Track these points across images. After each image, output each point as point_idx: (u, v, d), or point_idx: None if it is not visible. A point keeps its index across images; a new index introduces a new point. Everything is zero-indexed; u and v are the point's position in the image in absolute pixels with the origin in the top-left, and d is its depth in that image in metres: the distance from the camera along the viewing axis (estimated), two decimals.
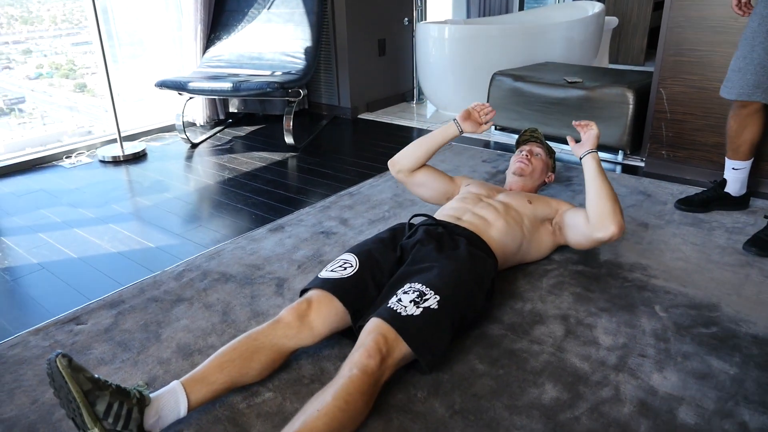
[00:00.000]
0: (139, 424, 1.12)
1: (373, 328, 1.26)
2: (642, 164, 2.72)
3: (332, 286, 1.43)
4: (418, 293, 1.34)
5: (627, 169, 2.72)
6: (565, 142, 3.02)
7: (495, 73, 3.19)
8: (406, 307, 1.30)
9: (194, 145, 3.37)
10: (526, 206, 1.74)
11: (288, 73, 3.20)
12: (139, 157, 3.16)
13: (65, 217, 2.37)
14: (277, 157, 3.12)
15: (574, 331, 1.49)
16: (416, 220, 1.69)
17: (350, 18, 3.68)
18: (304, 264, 1.90)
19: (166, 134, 3.60)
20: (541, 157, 1.97)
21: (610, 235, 1.58)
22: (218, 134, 3.61)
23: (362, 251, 1.54)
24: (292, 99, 3.13)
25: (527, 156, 1.93)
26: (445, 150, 3.09)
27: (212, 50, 3.51)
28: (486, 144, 3.22)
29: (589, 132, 1.73)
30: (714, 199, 2.17)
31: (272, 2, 3.48)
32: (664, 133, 2.54)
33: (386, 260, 1.52)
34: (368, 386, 1.17)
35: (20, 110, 3.87)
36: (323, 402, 1.12)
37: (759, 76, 1.90)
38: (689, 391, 1.26)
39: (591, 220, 1.62)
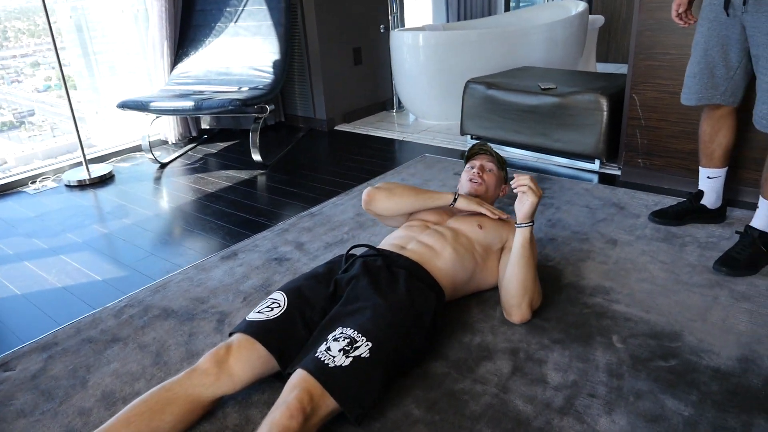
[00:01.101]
0: None
1: (298, 382, 1.18)
2: (619, 173, 2.62)
3: (255, 329, 1.35)
4: (348, 340, 1.25)
5: (604, 179, 2.62)
6: (540, 151, 2.93)
7: (468, 81, 3.10)
8: (334, 357, 1.22)
9: (163, 165, 3.31)
10: (477, 232, 1.65)
11: (255, 88, 3.13)
12: (105, 180, 3.10)
13: (17, 249, 2.31)
14: (244, 175, 3.05)
15: (522, 367, 1.40)
16: (358, 251, 1.61)
17: (322, 27, 3.61)
18: (251, 296, 1.82)
19: (137, 154, 3.54)
20: (493, 172, 1.87)
21: (511, 321, 1.56)
22: (190, 152, 3.55)
23: (291, 289, 1.46)
24: (259, 115, 3.05)
25: (479, 173, 1.83)
26: (417, 162, 3.00)
27: (180, 67, 3.45)
28: (461, 155, 3.13)
29: (525, 202, 1.51)
30: (689, 211, 2.07)
31: (239, 15, 3.41)
32: (639, 140, 2.43)
33: (318, 297, 1.44)
34: None
35: (30, 123, 3.87)
36: None
37: (716, 78, 1.84)
38: None
39: (501, 296, 1.59)
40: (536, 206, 1.53)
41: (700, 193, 2.06)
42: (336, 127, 3.89)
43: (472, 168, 1.86)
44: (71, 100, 2.98)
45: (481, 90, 3.02)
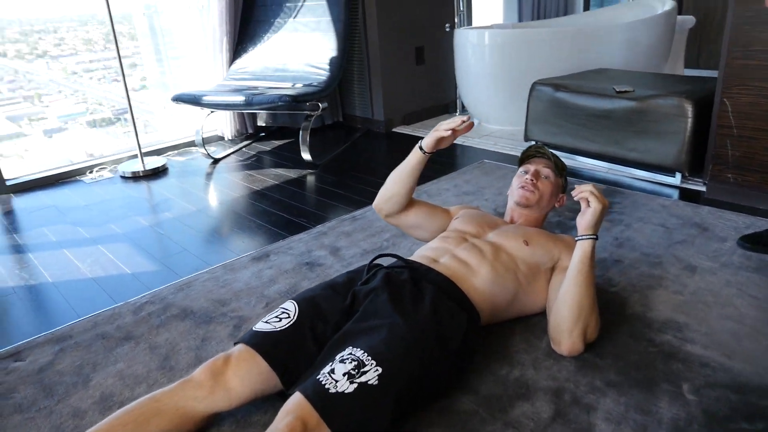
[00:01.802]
0: None
1: (293, 407, 1.02)
2: (704, 189, 2.29)
3: (258, 341, 1.20)
4: (355, 363, 1.08)
5: (686, 195, 2.30)
6: (613, 161, 2.64)
7: (535, 82, 2.85)
8: (337, 381, 1.05)
9: (216, 161, 3.28)
10: (522, 248, 1.43)
11: (308, 85, 3.04)
12: (159, 173, 3.11)
13: (60, 237, 2.32)
14: (293, 174, 2.95)
15: (565, 413, 1.17)
16: (385, 261, 1.44)
17: (383, 24, 3.47)
18: (274, 301, 1.69)
19: (193, 148, 3.54)
20: (549, 179, 1.63)
21: (559, 351, 1.33)
22: (244, 149, 3.51)
23: (305, 299, 1.30)
24: (310, 112, 2.95)
25: (532, 180, 1.60)
26: (475, 168, 2.79)
27: (238, 62, 3.42)
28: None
29: (587, 211, 1.30)
30: None
31: (298, 11, 3.33)
32: (729, 152, 2.11)
33: (333, 310, 1.27)
34: None
35: (125, 120, 4.06)
36: None
37: None
38: None
39: (549, 322, 1.35)
40: (601, 216, 1.30)
41: None
42: (394, 129, 3.73)
43: (526, 173, 1.64)
44: (129, 93, 3.00)
45: (548, 92, 2.76)
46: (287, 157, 3.28)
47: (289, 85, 3.09)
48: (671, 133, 2.30)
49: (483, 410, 1.19)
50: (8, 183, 2.92)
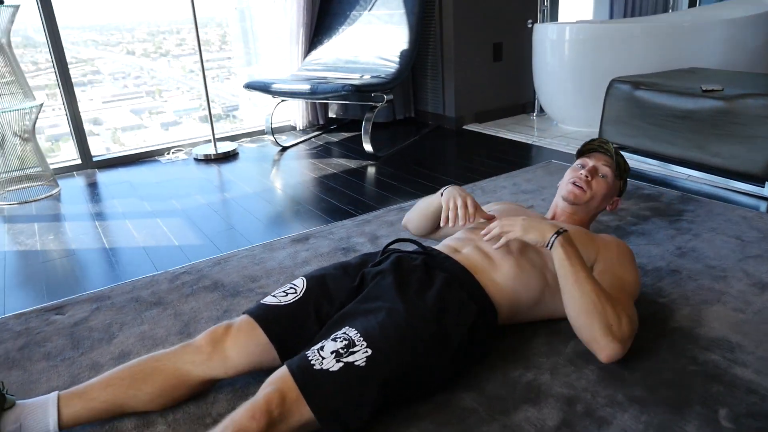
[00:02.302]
0: None
1: (276, 380, 1.00)
2: None
3: (261, 313, 1.20)
4: (346, 343, 1.05)
5: None
6: (695, 167, 2.40)
7: (613, 80, 2.65)
8: (324, 359, 1.02)
9: (284, 149, 3.37)
10: None
11: (376, 76, 3.03)
12: (229, 157, 3.24)
13: (126, 209, 2.47)
14: (353, 165, 2.96)
15: (573, 423, 1.06)
16: (404, 246, 1.38)
17: (459, 19, 3.39)
18: None
19: (266, 136, 3.66)
20: (607, 178, 1.48)
21: (601, 359, 1.16)
22: (313, 139, 3.57)
23: (315, 276, 1.28)
24: (374, 104, 2.94)
25: (587, 177, 1.47)
26: (539, 168, 2.65)
27: (313, 54, 3.49)
28: None
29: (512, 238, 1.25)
30: None
31: (374, 4, 3.34)
32: None
33: (340, 289, 1.24)
34: None
35: (234, 116, 4.41)
36: None
37: None
38: None
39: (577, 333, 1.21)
40: (528, 232, 1.23)
41: None
42: (465, 126, 3.64)
43: (582, 167, 1.50)
44: (207, 85, 3.15)
45: (627, 90, 2.57)
46: (352, 148, 3.29)
47: (357, 76, 3.10)
48: (762, 137, 2.05)
49: (483, 410, 1.11)
50: (94, 159, 3.17)
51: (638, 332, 1.23)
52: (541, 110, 3.78)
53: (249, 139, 3.64)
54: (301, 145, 3.45)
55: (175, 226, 2.24)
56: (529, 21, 3.66)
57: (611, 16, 4.23)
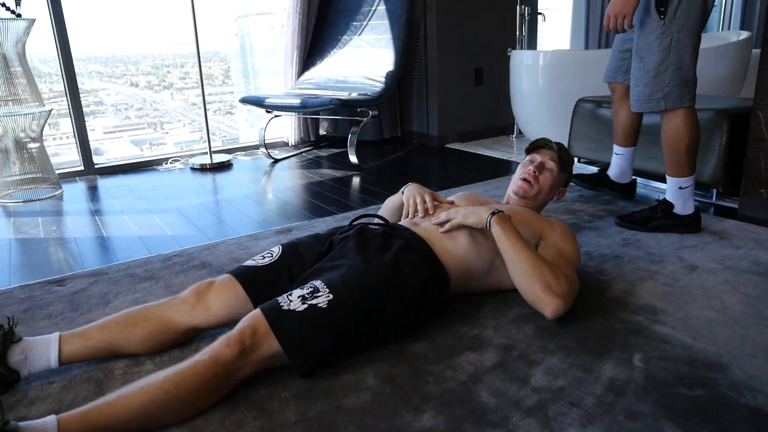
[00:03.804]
0: (1, 355, 1.16)
1: (249, 318, 1.17)
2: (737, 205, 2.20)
3: (240, 271, 1.37)
4: (311, 290, 1.21)
5: (720, 212, 2.22)
6: (650, 177, 2.60)
7: (579, 100, 2.88)
8: (291, 301, 1.19)
9: (276, 161, 3.56)
10: None
11: (363, 94, 3.25)
12: (223, 167, 3.43)
13: (123, 207, 2.64)
14: (338, 174, 3.15)
15: (507, 364, 1.22)
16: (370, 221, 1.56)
17: (442, 45, 3.65)
18: None
19: (259, 151, 3.86)
20: (552, 172, 1.68)
21: (546, 315, 1.31)
22: (304, 153, 3.78)
23: (289, 243, 1.46)
24: (360, 119, 3.16)
25: (535, 172, 1.67)
26: (509, 178, 2.84)
27: (306, 74, 3.72)
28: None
29: (462, 227, 1.45)
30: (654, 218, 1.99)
31: (363, 29, 3.60)
32: (762, 166, 2.04)
33: (310, 254, 1.41)
34: (213, 376, 1.07)
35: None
36: (153, 380, 1.04)
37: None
38: None
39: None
40: (468, 217, 1.43)
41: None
42: (447, 145, 3.86)
43: (531, 163, 1.70)
44: (205, 100, 3.37)
45: (590, 108, 2.79)
46: (340, 161, 3.49)
47: (345, 93, 3.33)
48: (706, 148, 2.25)
49: (432, 354, 1.26)
50: (96, 166, 3.36)
51: (576, 301, 1.39)
52: (520, 132, 4.00)
53: (243, 153, 3.85)
54: (292, 158, 3.65)
55: (169, 220, 2.41)
56: (510, 49, 3.92)
57: (586, 46, 4.50)
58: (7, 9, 2.67)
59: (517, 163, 3.25)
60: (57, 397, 1.18)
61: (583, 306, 1.45)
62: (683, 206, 1.97)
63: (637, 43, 1.89)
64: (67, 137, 3.52)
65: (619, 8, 1.79)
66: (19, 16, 2.69)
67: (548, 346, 1.28)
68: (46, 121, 2.87)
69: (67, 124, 3.37)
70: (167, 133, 4.57)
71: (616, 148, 2.29)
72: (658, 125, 2.43)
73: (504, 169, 3.18)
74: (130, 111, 4.47)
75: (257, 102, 3.23)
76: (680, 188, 1.96)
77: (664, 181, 2.56)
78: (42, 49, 3.15)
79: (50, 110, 2.86)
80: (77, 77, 3.18)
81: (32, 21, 2.72)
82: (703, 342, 1.27)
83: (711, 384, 1.12)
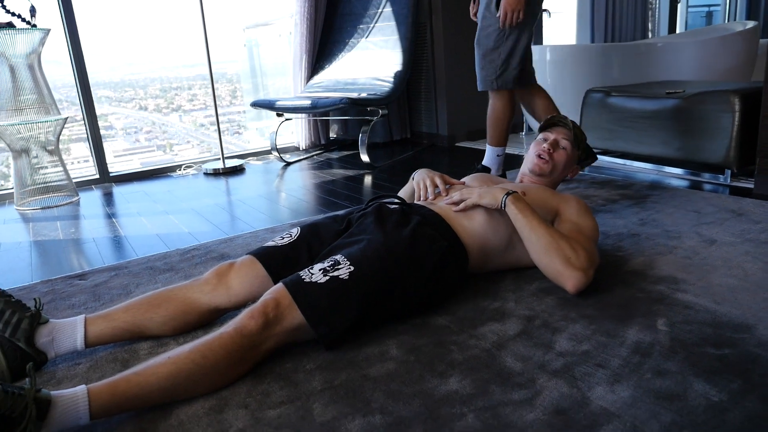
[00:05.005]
0: (28, 337, 1.18)
1: (271, 291, 1.18)
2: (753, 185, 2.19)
3: (260, 252, 1.39)
4: (332, 263, 1.22)
5: (736, 192, 2.21)
6: (662, 162, 2.59)
7: (588, 90, 2.89)
8: (313, 274, 1.20)
9: (288, 164, 3.59)
10: None
11: (373, 93, 3.28)
12: (236, 171, 3.46)
13: (141, 209, 2.68)
14: (350, 173, 3.17)
15: (531, 332, 1.22)
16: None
17: (448, 45, 3.68)
18: None
19: (271, 156, 3.90)
20: (566, 150, 1.68)
21: (568, 290, 1.32)
22: (315, 156, 3.80)
23: (308, 224, 1.48)
24: (370, 118, 3.18)
25: (549, 149, 1.67)
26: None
27: (315, 78, 3.76)
28: None
29: (478, 206, 1.45)
30: None
31: (370, 32, 3.64)
32: None
33: (329, 232, 1.43)
34: (239, 347, 1.08)
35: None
36: (180, 351, 1.05)
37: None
38: (635, 410, 0.93)
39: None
40: (483, 197, 1.42)
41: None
42: (457, 144, 3.87)
43: (545, 141, 1.71)
44: (217, 108, 3.42)
45: (600, 98, 2.79)
46: (351, 161, 3.51)
47: (355, 94, 3.36)
48: (719, 129, 2.25)
49: (454, 326, 1.27)
50: (111, 174, 3.40)
51: (595, 275, 1.38)
52: (530, 129, 4.01)
53: (255, 158, 3.88)
54: (303, 161, 3.68)
55: (186, 219, 2.44)
56: None
57: (593, 40, 4.52)
58: (23, 20, 2.73)
59: (517, 156, 3.26)
60: (84, 377, 1.19)
61: (603, 279, 1.45)
62: (496, 172, 2.47)
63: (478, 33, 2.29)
64: (78, 162, 3.58)
65: (515, 4, 2.09)
66: (34, 26, 2.75)
67: (570, 315, 1.28)
68: (62, 129, 2.92)
69: (78, 149, 3.42)
70: (176, 154, 4.57)
71: (498, 149, 2.54)
72: (665, 111, 2.43)
73: (515, 164, 3.18)
74: (139, 134, 4.52)
75: (268, 105, 3.27)
76: (497, 156, 2.48)
77: (672, 165, 2.57)
78: (52, 75, 3.20)
79: (66, 118, 2.91)
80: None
81: (47, 31, 2.78)
82: (727, 306, 1.26)
83: (738, 343, 1.11)
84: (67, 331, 1.23)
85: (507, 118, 2.42)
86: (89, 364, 1.23)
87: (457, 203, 1.46)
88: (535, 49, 3.51)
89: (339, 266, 1.21)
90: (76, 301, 1.60)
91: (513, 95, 2.38)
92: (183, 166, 3.60)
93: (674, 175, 2.54)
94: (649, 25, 4.97)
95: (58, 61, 3.27)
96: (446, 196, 1.55)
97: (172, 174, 3.51)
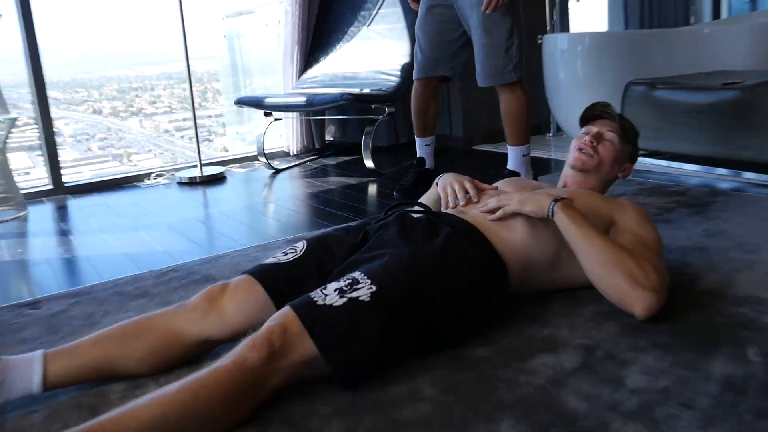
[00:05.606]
0: None
1: (277, 316, 1.11)
2: None
3: (259, 270, 1.32)
4: (350, 281, 1.15)
5: None
6: (723, 164, 2.55)
7: (629, 82, 2.85)
8: (327, 296, 1.12)
9: (276, 171, 3.54)
10: None
11: (377, 89, 3.25)
12: (217, 180, 3.40)
13: (103, 224, 2.61)
14: (353, 181, 3.12)
15: (593, 365, 1.14)
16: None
17: None
18: None
19: (256, 162, 3.84)
20: (613, 143, 1.62)
21: (637, 315, 1.24)
22: (308, 162, 3.75)
23: (315, 237, 1.41)
24: (375, 117, 3.14)
25: (592, 143, 1.61)
26: (548, 179, 2.80)
27: (308, 72, 3.73)
28: None
29: (519, 214, 1.38)
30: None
31: (372, 19, 3.62)
32: None
33: (342, 246, 1.36)
34: (238, 386, 1.00)
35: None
36: (166, 390, 0.98)
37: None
38: None
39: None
40: (525, 204, 1.36)
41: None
42: (474, 147, 3.83)
43: (586, 134, 1.65)
44: (195, 109, 3.38)
45: (643, 91, 2.76)
46: (352, 168, 3.46)
47: (356, 90, 3.32)
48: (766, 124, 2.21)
49: (497, 359, 1.19)
50: (66, 185, 3.33)
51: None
52: (559, 129, 3.98)
53: (238, 164, 3.82)
54: (295, 168, 3.63)
55: (159, 235, 2.37)
56: (540, 37, 3.92)
57: (626, 27, 4.53)
58: None
59: (559, 161, 3.22)
60: (41, 429, 1.11)
61: (673, 300, 1.38)
62: (526, 174, 2.50)
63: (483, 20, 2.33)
64: (22, 173, 3.48)
65: None
66: None
67: (639, 344, 1.21)
68: (9, 132, 2.85)
69: (21, 159, 3.35)
70: (135, 165, 4.45)
71: (426, 139, 2.76)
72: (723, 104, 2.40)
73: (543, 169, 3.14)
74: (92, 141, 4.38)
75: (255, 103, 3.22)
76: (523, 156, 2.51)
77: (729, 166, 2.53)
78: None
79: (14, 118, 2.85)
80: (29, 109, 3.17)
81: None
82: None
83: None
84: (22, 370, 1.15)
85: (528, 110, 2.49)
86: (47, 412, 1.14)
87: (493, 211, 1.39)
88: (564, 37, 3.49)
89: (358, 286, 1.14)
90: (28, 334, 1.52)
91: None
92: (153, 175, 3.53)
93: (739, 179, 2.49)
94: (690, 10, 4.98)
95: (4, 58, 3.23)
96: (478, 202, 1.49)
97: (140, 184, 3.44)
